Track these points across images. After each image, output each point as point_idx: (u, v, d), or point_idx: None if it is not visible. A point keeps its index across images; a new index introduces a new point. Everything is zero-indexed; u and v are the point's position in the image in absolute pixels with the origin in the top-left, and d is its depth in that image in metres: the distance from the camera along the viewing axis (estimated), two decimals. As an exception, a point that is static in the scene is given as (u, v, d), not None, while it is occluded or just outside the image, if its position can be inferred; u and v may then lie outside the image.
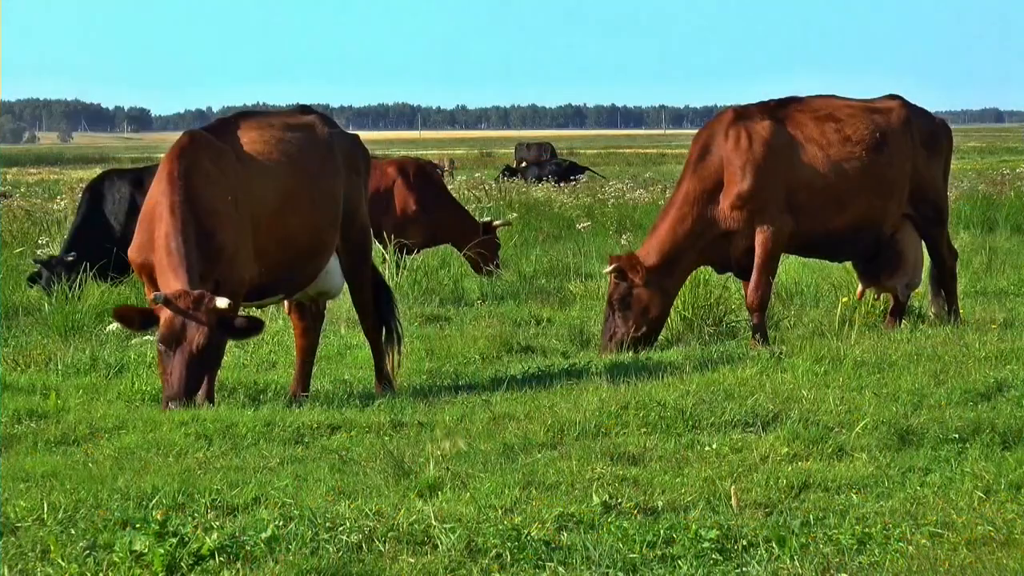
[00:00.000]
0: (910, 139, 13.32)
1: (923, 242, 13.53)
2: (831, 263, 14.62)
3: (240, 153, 10.36)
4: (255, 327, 9.84)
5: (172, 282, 9.70)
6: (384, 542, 6.51)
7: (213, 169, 10.15)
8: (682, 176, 12.95)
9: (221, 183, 10.13)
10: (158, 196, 10.02)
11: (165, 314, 9.58)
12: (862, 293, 13.53)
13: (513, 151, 58.20)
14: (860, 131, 13.09)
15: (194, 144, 10.25)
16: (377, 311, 11.24)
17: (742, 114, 12.97)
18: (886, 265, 13.35)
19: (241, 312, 10.00)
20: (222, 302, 9.54)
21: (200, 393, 9.98)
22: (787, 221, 12.76)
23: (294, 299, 11.04)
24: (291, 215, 10.47)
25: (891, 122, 13.27)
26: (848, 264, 13.98)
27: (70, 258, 15.81)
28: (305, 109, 11.28)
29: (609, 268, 12.68)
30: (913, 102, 13.63)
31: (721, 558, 6.37)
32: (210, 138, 10.36)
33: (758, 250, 12.69)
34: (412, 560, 6.32)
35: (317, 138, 10.86)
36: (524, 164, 47.08)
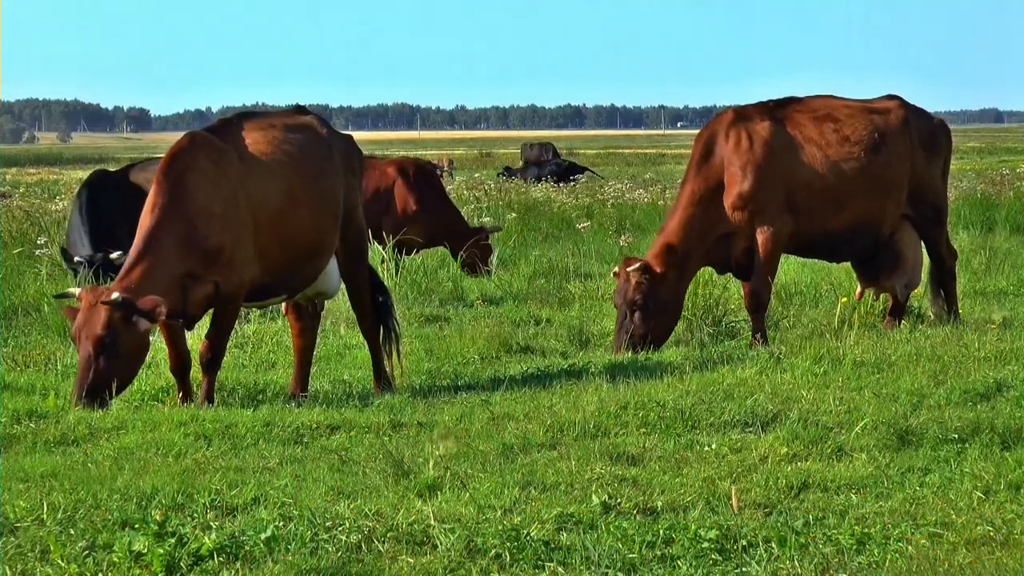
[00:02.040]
0: (909, 139, 13.32)
1: (922, 242, 13.54)
2: (830, 263, 14.61)
3: (243, 153, 10.39)
4: (154, 310, 9.77)
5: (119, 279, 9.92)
6: (383, 542, 6.51)
7: (212, 170, 10.17)
8: (686, 177, 12.93)
9: (221, 184, 10.16)
10: (149, 197, 10.14)
11: (75, 312, 9.88)
12: (861, 293, 13.53)
13: (518, 151, 58.20)
14: (859, 131, 13.09)
15: (193, 145, 10.28)
16: (375, 311, 11.26)
17: (742, 115, 12.96)
18: (885, 265, 13.35)
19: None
20: (114, 296, 9.67)
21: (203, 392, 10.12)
22: (787, 222, 12.76)
23: (292, 299, 11.07)
24: (294, 215, 10.50)
25: (890, 122, 13.27)
26: (847, 264, 13.98)
27: (114, 255, 15.74)
28: (301, 110, 11.29)
29: (635, 266, 12.50)
30: (912, 102, 13.64)
31: (721, 558, 6.37)
32: (211, 139, 10.39)
33: (758, 251, 12.69)
34: (411, 560, 6.33)
35: (318, 138, 10.88)
36: (526, 164, 47.09)
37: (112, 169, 18.79)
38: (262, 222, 10.30)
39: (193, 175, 10.10)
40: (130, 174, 17.17)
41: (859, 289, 13.58)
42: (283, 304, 11.23)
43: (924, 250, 13.60)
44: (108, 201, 16.78)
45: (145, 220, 10.02)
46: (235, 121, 10.74)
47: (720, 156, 12.77)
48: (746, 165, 12.68)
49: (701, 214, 12.67)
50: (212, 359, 10.24)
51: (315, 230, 10.66)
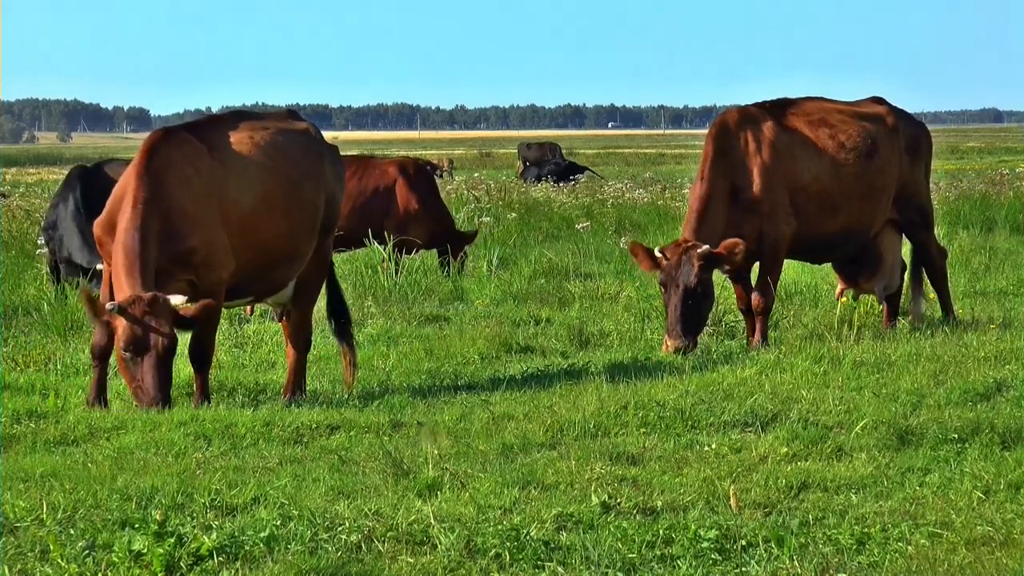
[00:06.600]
0: (897, 145, 13.41)
1: (910, 245, 13.62)
2: (815, 264, 14.61)
3: (220, 152, 10.26)
4: (206, 313, 9.75)
5: (124, 283, 9.66)
6: (383, 542, 6.51)
7: (188, 169, 10.05)
8: (699, 176, 12.83)
9: (195, 184, 10.04)
10: (126, 188, 9.94)
11: (123, 323, 9.56)
12: (842, 292, 13.63)
13: (516, 151, 58.19)
14: (853, 138, 13.14)
15: (169, 142, 10.13)
16: (308, 332, 11.15)
17: (746, 115, 12.92)
18: (865, 267, 13.42)
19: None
20: (178, 299, 9.57)
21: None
22: (791, 224, 12.75)
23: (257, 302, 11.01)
24: (268, 218, 10.37)
25: (881, 129, 13.35)
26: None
27: None
28: (294, 115, 11.23)
29: (703, 249, 12.20)
30: (897, 105, 13.76)
31: (720, 558, 6.37)
32: (187, 137, 10.24)
33: (764, 252, 12.66)
34: (411, 560, 6.33)
35: (308, 144, 10.81)
36: (529, 164, 47.10)
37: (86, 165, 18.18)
38: (233, 222, 10.17)
39: (169, 173, 9.96)
40: (105, 168, 16.58)
41: (839, 288, 13.67)
42: (248, 308, 11.12)
43: (904, 253, 13.65)
44: (98, 198, 16.43)
45: (126, 216, 9.77)
46: (225, 119, 10.67)
47: (729, 157, 12.69)
48: (754, 167, 12.67)
49: (714, 214, 12.55)
50: (200, 357, 10.21)
51: (290, 235, 10.55)
